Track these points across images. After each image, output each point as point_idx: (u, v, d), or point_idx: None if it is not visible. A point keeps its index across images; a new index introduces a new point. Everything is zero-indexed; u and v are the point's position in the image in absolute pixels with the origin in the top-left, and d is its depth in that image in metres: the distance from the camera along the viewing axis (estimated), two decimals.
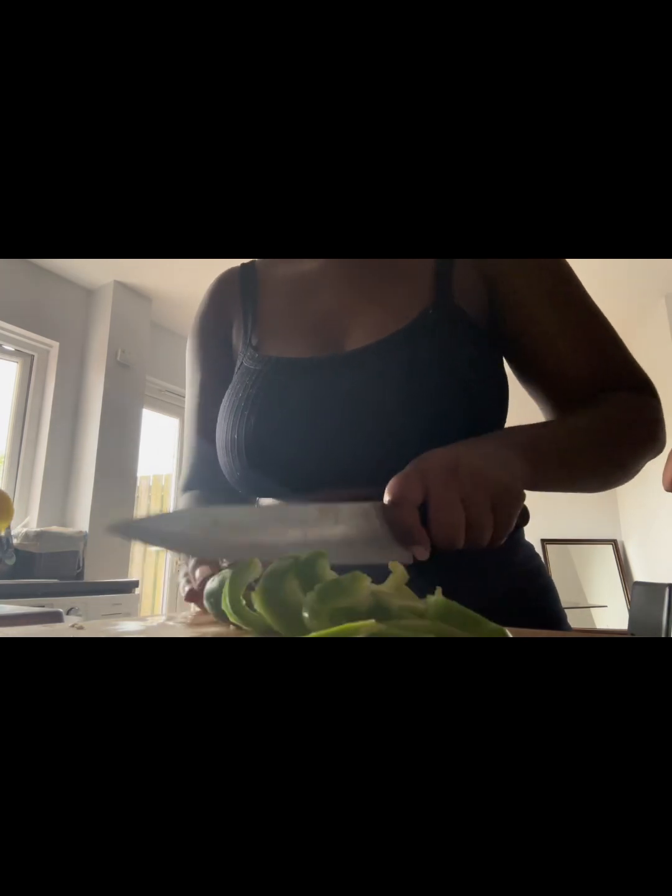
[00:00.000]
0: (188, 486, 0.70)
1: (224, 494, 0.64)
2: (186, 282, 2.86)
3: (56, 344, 2.81)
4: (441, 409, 0.51)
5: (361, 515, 0.38)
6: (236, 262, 0.75)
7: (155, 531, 0.35)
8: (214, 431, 0.63)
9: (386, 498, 0.39)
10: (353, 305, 0.60)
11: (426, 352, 0.53)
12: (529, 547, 0.62)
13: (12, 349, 2.70)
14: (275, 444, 0.54)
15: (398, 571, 0.34)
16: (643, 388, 0.57)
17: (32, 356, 2.78)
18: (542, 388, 0.59)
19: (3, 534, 2.19)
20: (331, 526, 0.36)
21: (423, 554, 0.38)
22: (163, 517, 0.37)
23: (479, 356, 0.55)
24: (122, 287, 2.94)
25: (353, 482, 0.52)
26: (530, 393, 0.62)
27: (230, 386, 0.61)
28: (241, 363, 0.62)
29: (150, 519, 0.37)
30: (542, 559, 0.63)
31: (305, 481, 0.54)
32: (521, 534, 0.61)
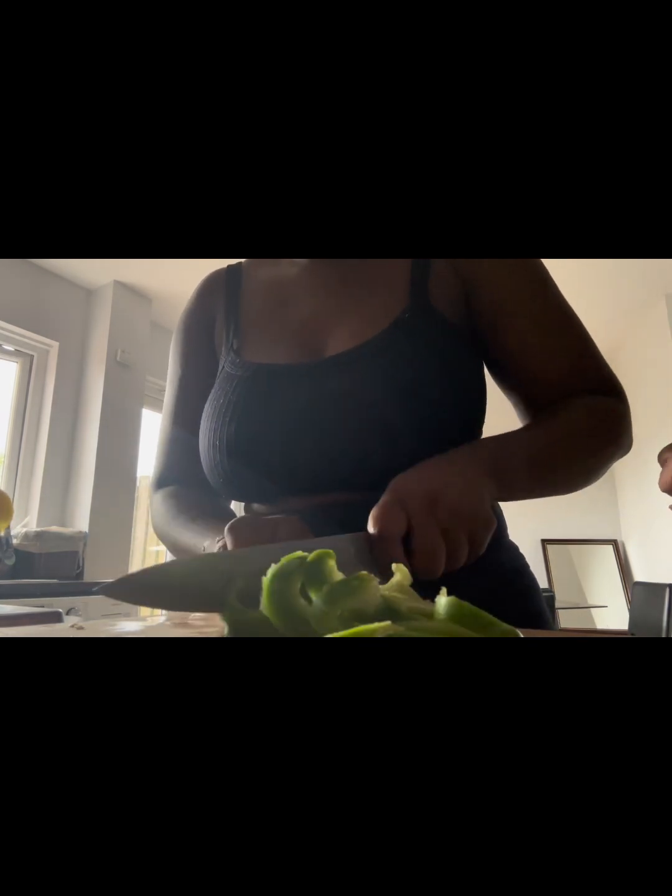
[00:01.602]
0: (163, 482, 0.69)
1: (201, 490, 0.65)
2: (186, 282, 2.85)
3: (56, 344, 2.81)
4: (420, 410, 0.52)
5: (350, 544, 0.39)
6: (232, 263, 0.75)
7: (160, 587, 0.32)
8: (194, 425, 0.64)
9: (372, 529, 0.39)
10: (331, 312, 0.61)
11: (403, 354, 0.54)
12: (512, 548, 0.63)
13: (12, 349, 2.70)
14: (256, 449, 0.55)
15: (402, 572, 0.34)
16: (612, 391, 0.58)
17: (32, 356, 2.78)
18: (516, 389, 0.61)
19: (2, 534, 2.19)
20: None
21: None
22: (167, 569, 0.33)
23: (456, 356, 0.56)
24: (121, 287, 2.94)
25: (333, 486, 0.54)
26: (504, 392, 0.63)
27: (212, 391, 0.62)
28: (223, 367, 0.63)
29: (150, 572, 0.33)
30: (526, 559, 0.63)
31: (287, 485, 0.55)
32: (503, 535, 0.62)
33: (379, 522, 0.39)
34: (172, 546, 0.60)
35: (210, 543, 0.50)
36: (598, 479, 0.57)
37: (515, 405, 0.62)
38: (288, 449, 0.54)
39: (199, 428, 0.63)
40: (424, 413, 0.52)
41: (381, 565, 0.38)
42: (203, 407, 0.64)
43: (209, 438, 0.58)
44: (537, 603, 0.60)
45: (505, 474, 0.47)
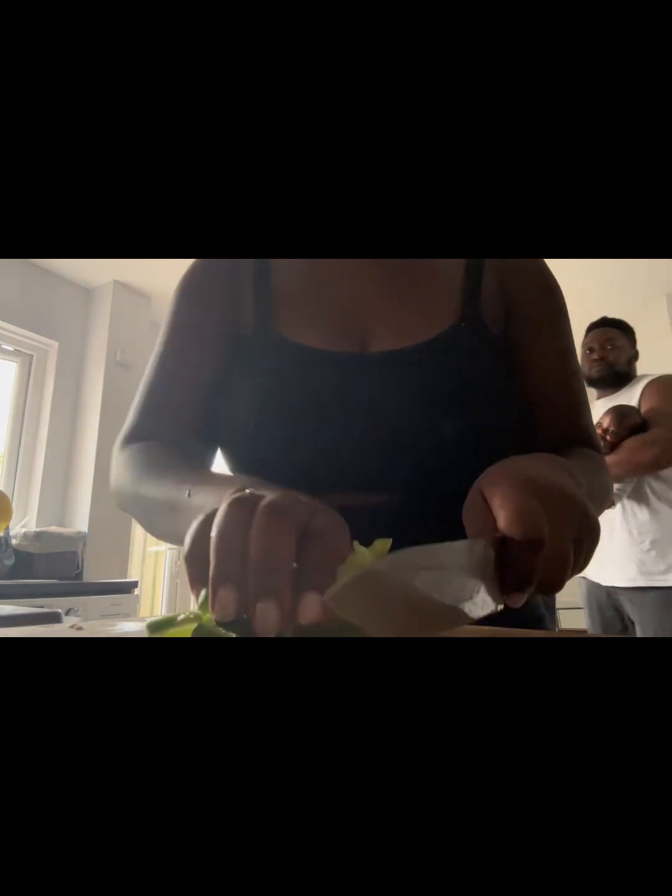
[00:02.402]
0: (136, 436, 0.56)
1: (181, 451, 0.53)
2: None
3: (56, 344, 2.80)
4: (471, 420, 0.51)
5: (466, 551, 0.29)
6: None
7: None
8: (190, 382, 0.58)
9: (510, 531, 0.31)
10: (376, 304, 0.59)
11: (461, 361, 0.53)
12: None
13: (12, 349, 2.70)
14: (292, 437, 0.52)
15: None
16: (597, 448, 0.61)
17: (32, 356, 2.78)
18: (522, 423, 0.61)
19: (1, 534, 2.18)
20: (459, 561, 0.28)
21: (521, 601, 0.31)
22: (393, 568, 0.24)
23: (504, 371, 0.56)
24: (121, 287, 2.94)
25: (369, 485, 0.51)
26: None
27: (242, 367, 0.57)
28: (255, 341, 0.58)
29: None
30: None
31: (321, 479, 0.51)
32: None
33: (524, 525, 0.30)
34: (140, 504, 0.50)
35: (195, 491, 0.41)
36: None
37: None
38: (330, 442, 0.52)
39: (198, 383, 0.58)
40: (475, 423, 0.51)
41: (516, 573, 0.30)
42: (209, 362, 0.58)
43: (242, 422, 0.53)
44: (537, 607, 0.60)
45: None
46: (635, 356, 1.90)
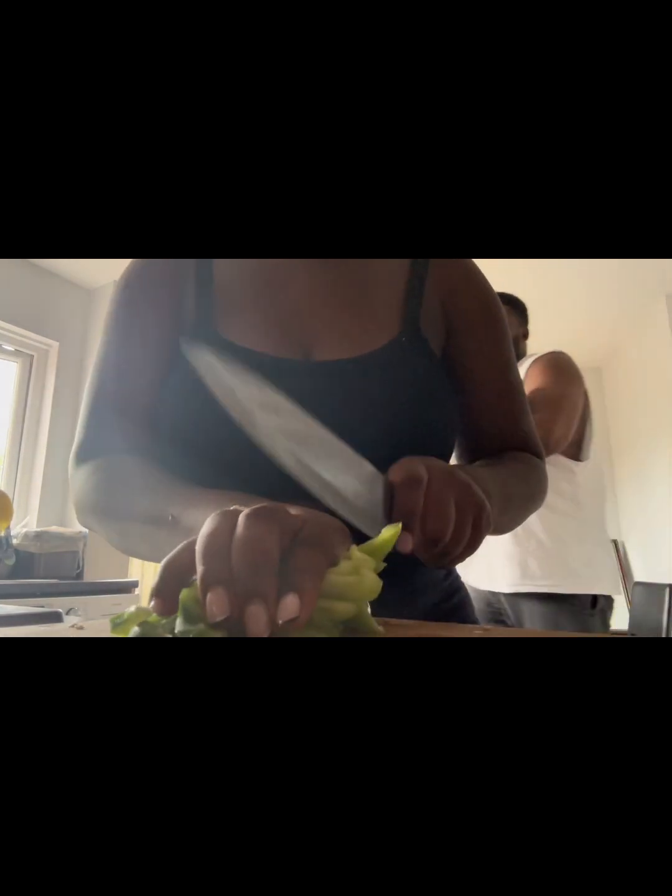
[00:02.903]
0: (91, 452, 0.56)
1: (144, 459, 0.53)
2: None
3: (56, 344, 2.80)
4: (410, 433, 0.53)
5: (368, 481, 0.38)
6: None
7: None
8: (136, 386, 0.56)
9: (396, 477, 0.39)
10: (320, 311, 0.59)
11: (400, 375, 0.55)
12: (453, 568, 0.67)
13: (12, 349, 2.70)
14: (228, 442, 0.49)
15: (395, 531, 0.33)
16: (537, 452, 0.66)
17: (32, 356, 2.78)
18: (463, 433, 0.65)
19: (2, 534, 2.18)
20: (341, 473, 0.37)
21: (407, 544, 0.38)
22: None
23: (442, 387, 0.58)
24: None
25: (309, 496, 0.50)
26: None
27: (179, 366, 0.54)
28: (196, 341, 0.53)
29: None
30: (457, 573, 0.69)
31: (260, 488, 0.49)
32: None
33: (404, 471, 0.39)
34: (115, 522, 0.49)
35: (180, 511, 0.42)
36: (517, 527, 0.64)
37: (457, 447, 0.67)
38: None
39: (146, 386, 0.56)
40: (413, 436, 0.54)
41: (400, 511, 0.38)
42: (155, 364, 0.57)
43: (180, 425, 0.52)
44: (471, 613, 0.66)
45: (487, 493, 0.48)
46: (525, 335, 1.67)
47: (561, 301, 3.16)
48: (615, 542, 4.12)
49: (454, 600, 0.64)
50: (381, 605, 0.34)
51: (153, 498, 0.45)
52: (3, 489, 2.36)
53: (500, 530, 0.58)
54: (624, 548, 4.09)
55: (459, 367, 0.63)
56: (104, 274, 2.84)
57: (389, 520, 0.38)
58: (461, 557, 0.43)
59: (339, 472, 0.38)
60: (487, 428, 0.64)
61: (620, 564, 4.03)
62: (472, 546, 0.42)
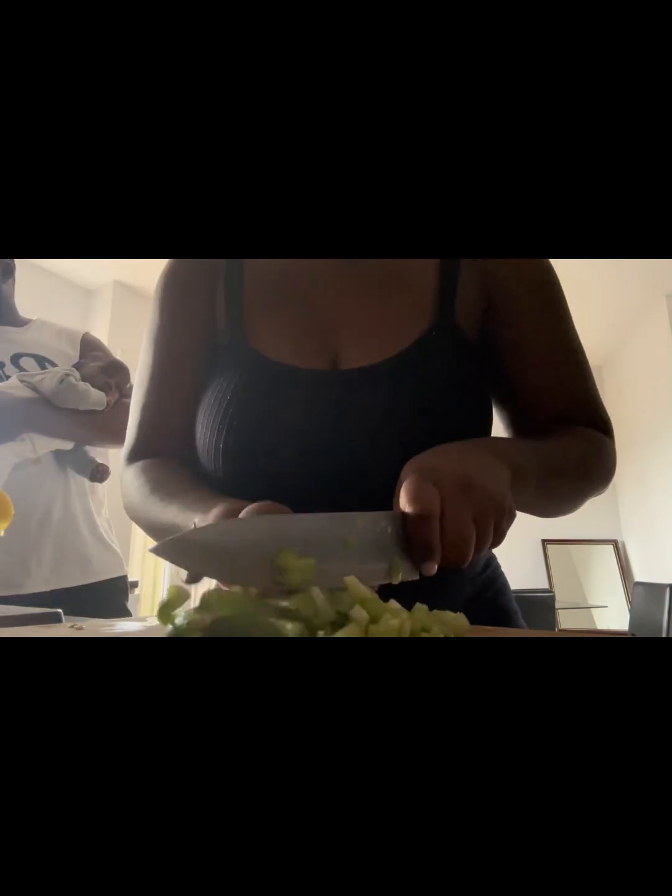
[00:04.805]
0: (137, 454, 0.61)
1: (181, 463, 0.58)
2: None
3: None
4: (441, 432, 0.51)
5: (371, 525, 0.36)
6: None
7: (212, 549, 0.31)
8: (176, 393, 0.60)
9: (407, 508, 0.36)
10: (348, 314, 0.58)
11: (427, 375, 0.53)
12: (488, 552, 0.63)
13: None
14: (259, 457, 0.52)
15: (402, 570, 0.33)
16: (604, 429, 0.59)
17: None
18: (514, 408, 0.60)
19: (2, 534, 2.18)
20: (346, 534, 0.34)
21: (432, 569, 0.36)
22: (221, 529, 0.32)
23: (475, 378, 0.56)
24: (122, 287, 2.94)
25: (343, 505, 0.50)
26: (497, 405, 0.62)
27: (214, 379, 0.57)
28: (227, 352, 0.58)
29: (202, 531, 0.31)
30: (497, 561, 0.65)
31: (294, 500, 0.50)
32: None
33: (416, 501, 0.36)
34: (149, 526, 0.55)
35: (201, 519, 0.45)
36: (579, 507, 0.59)
37: (506, 421, 0.62)
38: (299, 463, 0.51)
39: (184, 396, 0.59)
40: (446, 435, 0.51)
41: (416, 546, 0.36)
42: (191, 373, 0.59)
43: (210, 436, 0.54)
44: (510, 601, 0.62)
45: (521, 472, 0.46)
46: None
47: None
48: (615, 542, 4.13)
49: (491, 591, 0.61)
50: (416, 597, 0.35)
51: (180, 505, 0.49)
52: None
53: (545, 512, 0.55)
54: (624, 548, 4.10)
55: (507, 340, 0.58)
56: (104, 274, 2.85)
57: (409, 553, 0.36)
58: (484, 554, 0.42)
59: (348, 534, 0.35)
60: (544, 402, 0.58)
61: (620, 564, 4.03)
62: (494, 545, 0.41)
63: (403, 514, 0.36)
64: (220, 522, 0.32)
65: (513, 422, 0.61)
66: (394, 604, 0.32)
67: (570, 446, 0.54)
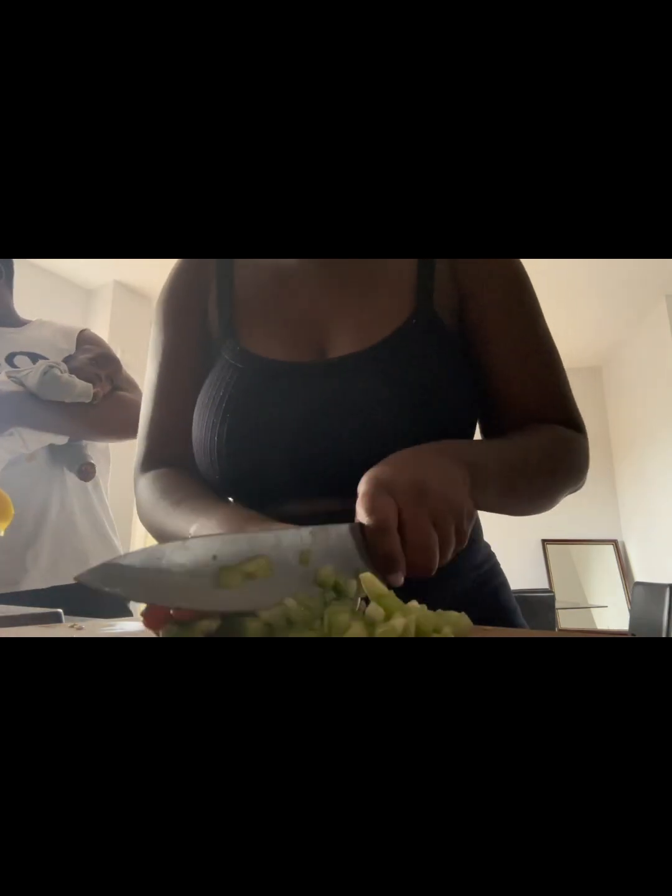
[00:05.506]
0: (148, 465, 0.64)
1: (190, 473, 0.61)
2: None
3: None
4: (426, 418, 0.52)
5: (336, 538, 0.36)
6: None
7: (144, 580, 0.30)
8: (181, 403, 0.62)
9: (366, 520, 0.36)
10: (333, 309, 0.60)
11: (411, 361, 0.54)
12: (485, 547, 0.64)
13: None
14: (258, 450, 0.54)
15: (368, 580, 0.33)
16: (575, 427, 0.60)
17: None
18: (486, 406, 0.61)
19: (2, 534, 2.18)
20: (300, 547, 0.35)
21: (399, 580, 0.37)
22: (152, 552, 0.31)
23: (457, 366, 0.57)
24: (122, 287, 2.94)
25: (334, 491, 0.52)
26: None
27: (208, 380, 0.60)
28: (220, 354, 0.61)
29: (135, 554, 0.31)
30: (496, 558, 0.65)
31: (287, 489, 0.54)
32: (479, 535, 0.63)
33: (373, 513, 0.36)
34: (158, 534, 0.57)
35: (198, 528, 0.47)
36: (550, 508, 0.58)
37: (481, 421, 0.63)
38: (292, 452, 0.53)
39: (186, 407, 0.61)
40: (430, 421, 0.52)
41: (379, 557, 0.36)
42: (192, 384, 0.62)
43: (206, 434, 0.56)
44: (509, 598, 0.62)
45: (479, 472, 0.46)
46: None
47: (561, 301, 3.16)
48: (615, 542, 4.13)
49: (491, 586, 0.61)
50: (414, 593, 0.35)
51: (183, 511, 0.52)
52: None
53: (515, 510, 0.55)
54: (624, 548, 4.10)
55: (479, 335, 0.59)
56: (104, 274, 2.85)
57: (373, 562, 0.36)
58: (450, 558, 0.41)
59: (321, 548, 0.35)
60: (515, 398, 0.59)
61: (620, 564, 4.03)
62: (458, 546, 0.41)
63: (362, 527, 0.37)
64: (151, 547, 0.32)
65: (484, 419, 0.62)
66: (414, 604, 0.32)
67: (536, 443, 0.54)
